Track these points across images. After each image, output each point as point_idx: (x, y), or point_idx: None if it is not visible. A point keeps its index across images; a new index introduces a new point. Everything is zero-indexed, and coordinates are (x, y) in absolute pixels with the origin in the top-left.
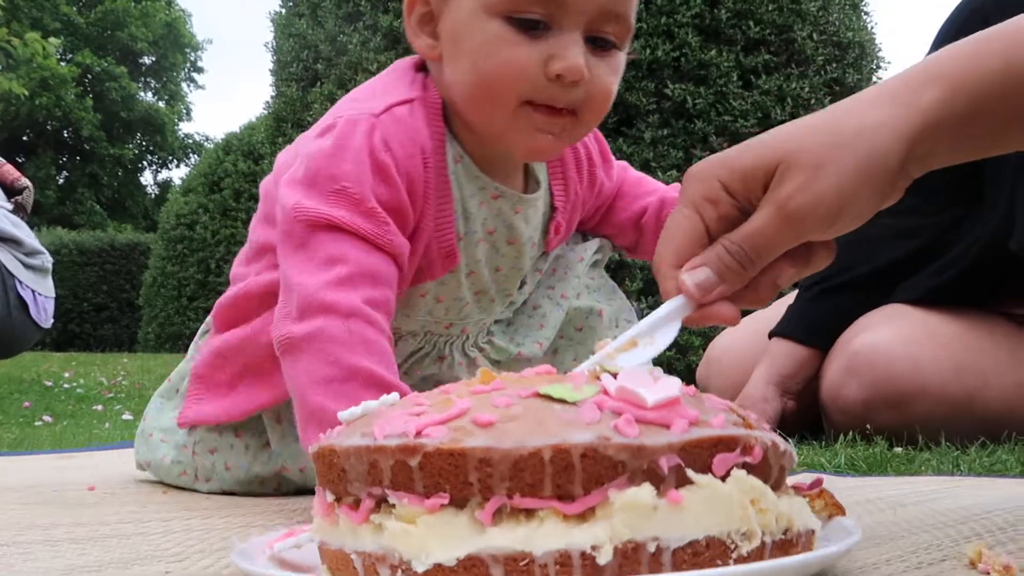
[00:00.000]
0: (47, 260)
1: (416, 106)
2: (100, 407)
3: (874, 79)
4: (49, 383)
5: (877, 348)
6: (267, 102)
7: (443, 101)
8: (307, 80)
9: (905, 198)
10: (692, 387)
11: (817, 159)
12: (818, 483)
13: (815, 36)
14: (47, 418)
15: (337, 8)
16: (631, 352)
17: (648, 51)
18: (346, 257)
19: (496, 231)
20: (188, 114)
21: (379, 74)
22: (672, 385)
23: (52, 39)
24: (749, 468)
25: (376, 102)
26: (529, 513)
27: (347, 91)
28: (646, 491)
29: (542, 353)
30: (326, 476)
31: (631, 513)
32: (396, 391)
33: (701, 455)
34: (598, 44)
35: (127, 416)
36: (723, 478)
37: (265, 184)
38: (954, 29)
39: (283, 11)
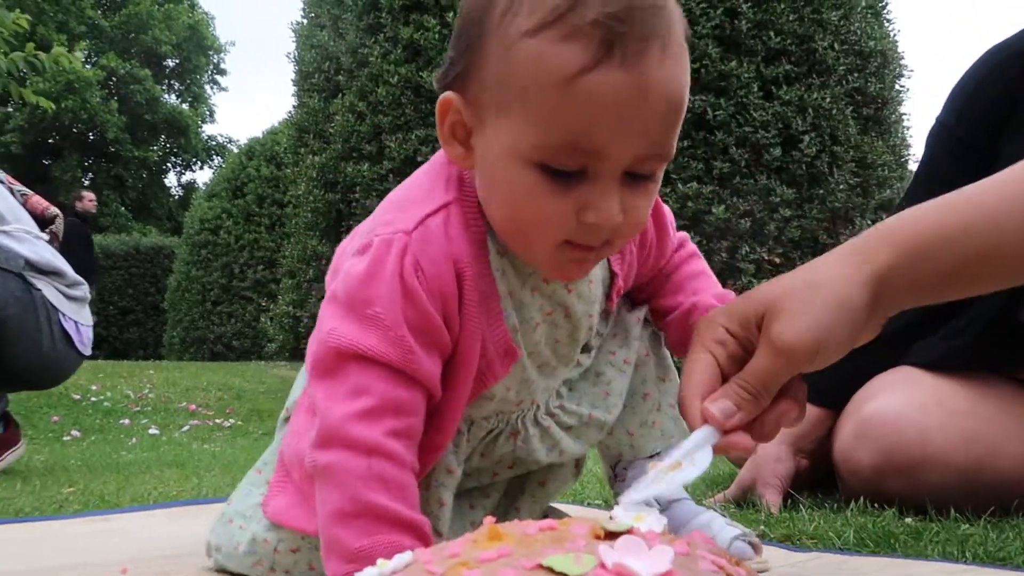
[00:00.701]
0: (86, 291)
1: (453, 210)
2: (127, 421)
3: (897, 87)
4: (77, 396)
5: (887, 415)
6: (289, 112)
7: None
8: (329, 91)
9: None
10: (683, 542)
11: (797, 305)
12: None
13: (836, 45)
14: (75, 433)
15: (358, 20)
16: (679, 472)
17: None
18: (371, 389)
19: (553, 312)
20: (211, 116)
21: (421, 168)
22: (665, 557)
23: (77, 53)
24: None
25: (411, 213)
26: None
27: (368, 103)
28: None
29: (613, 420)
30: None
31: None
32: (412, 524)
33: None
34: (635, 179)
35: (153, 431)
36: None
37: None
38: (972, 83)
39: (304, 21)
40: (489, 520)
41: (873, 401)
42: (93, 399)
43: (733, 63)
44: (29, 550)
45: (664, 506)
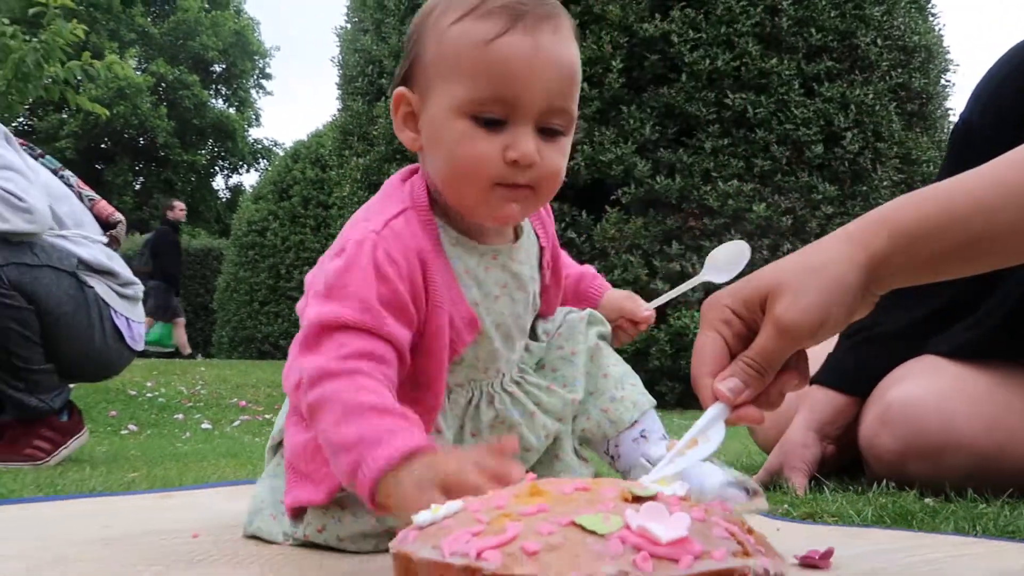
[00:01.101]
0: (139, 290)
1: (409, 214)
2: (180, 416)
3: (943, 82)
4: (133, 392)
5: (910, 401)
6: (334, 115)
7: (430, 197)
8: (372, 94)
9: None
10: (701, 509)
11: (798, 287)
12: (829, 554)
13: (879, 41)
14: (132, 427)
15: (400, 24)
16: (695, 449)
17: (708, 61)
18: (350, 344)
19: (507, 284)
20: (257, 120)
21: (378, 192)
22: (682, 522)
23: (129, 60)
24: None
25: (377, 220)
26: None
27: None
28: None
29: (575, 397)
30: (403, 575)
31: None
32: (400, 412)
33: None
34: (547, 133)
35: (206, 425)
36: None
37: (299, 306)
38: (996, 80)
39: (348, 26)
40: (530, 477)
41: (897, 388)
42: (148, 395)
43: (773, 60)
44: (105, 521)
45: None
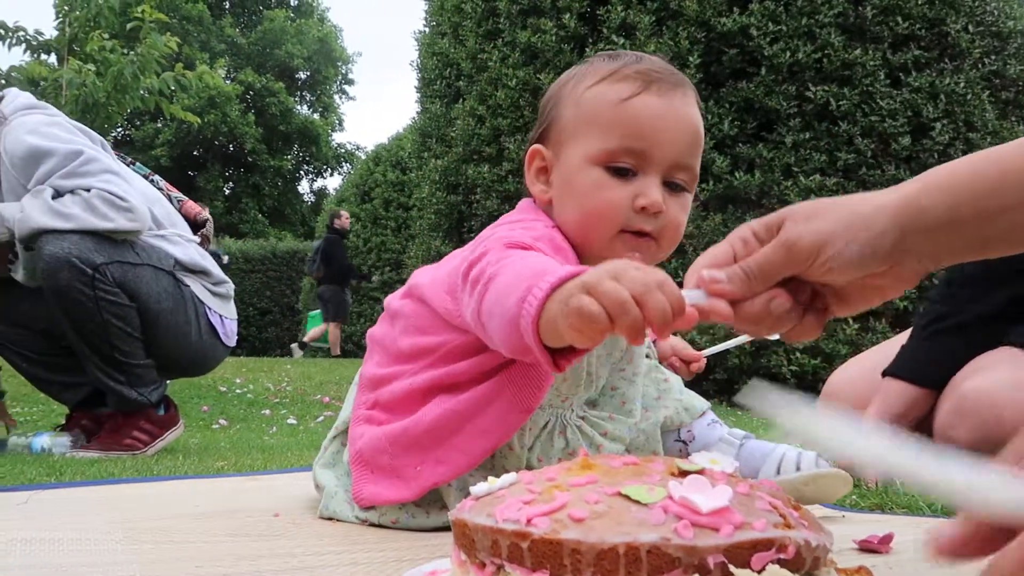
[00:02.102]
0: (230, 288)
1: (557, 231)
2: (268, 411)
3: None
4: (223, 388)
5: (985, 393)
6: (413, 118)
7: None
8: (450, 96)
9: None
10: (747, 484)
11: (812, 212)
12: (888, 539)
13: (971, 28)
14: (223, 421)
15: (477, 26)
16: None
17: (788, 54)
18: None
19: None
20: (340, 125)
21: (515, 210)
22: (723, 494)
23: (219, 70)
24: (783, 563)
25: (536, 223)
26: None
27: (487, 106)
28: None
29: (634, 420)
30: (460, 540)
31: None
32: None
33: (742, 554)
34: (671, 187)
35: (291, 421)
36: (760, 571)
37: (391, 300)
38: None
39: (426, 30)
40: (582, 452)
41: (971, 380)
42: (237, 391)
43: (858, 51)
44: (195, 500)
45: (741, 441)
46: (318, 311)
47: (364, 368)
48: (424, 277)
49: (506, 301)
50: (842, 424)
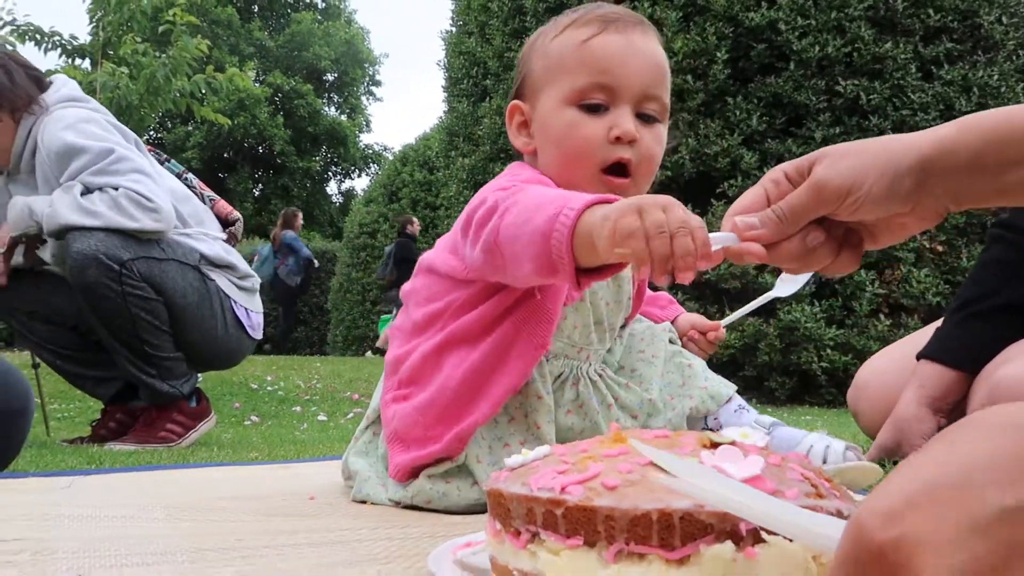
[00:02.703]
0: (256, 282)
1: (548, 182)
2: (298, 408)
3: None
4: (255, 386)
5: (1019, 379)
6: (440, 117)
7: None
8: (477, 96)
9: None
10: (778, 456)
11: (842, 152)
12: None
13: (1004, 19)
14: (254, 418)
15: (503, 25)
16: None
17: (817, 48)
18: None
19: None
20: (368, 126)
21: (504, 172)
22: (755, 463)
23: (249, 72)
24: None
25: (524, 172)
26: (641, 556)
27: None
28: (728, 547)
29: (651, 397)
30: (495, 510)
31: (716, 563)
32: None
33: None
34: (643, 119)
35: (322, 417)
36: (791, 539)
37: (404, 287)
38: None
39: (453, 30)
40: (615, 427)
41: (1006, 367)
42: (268, 388)
43: (888, 44)
44: (231, 485)
45: (768, 429)
46: (389, 315)
47: (387, 356)
48: (429, 253)
49: (535, 218)
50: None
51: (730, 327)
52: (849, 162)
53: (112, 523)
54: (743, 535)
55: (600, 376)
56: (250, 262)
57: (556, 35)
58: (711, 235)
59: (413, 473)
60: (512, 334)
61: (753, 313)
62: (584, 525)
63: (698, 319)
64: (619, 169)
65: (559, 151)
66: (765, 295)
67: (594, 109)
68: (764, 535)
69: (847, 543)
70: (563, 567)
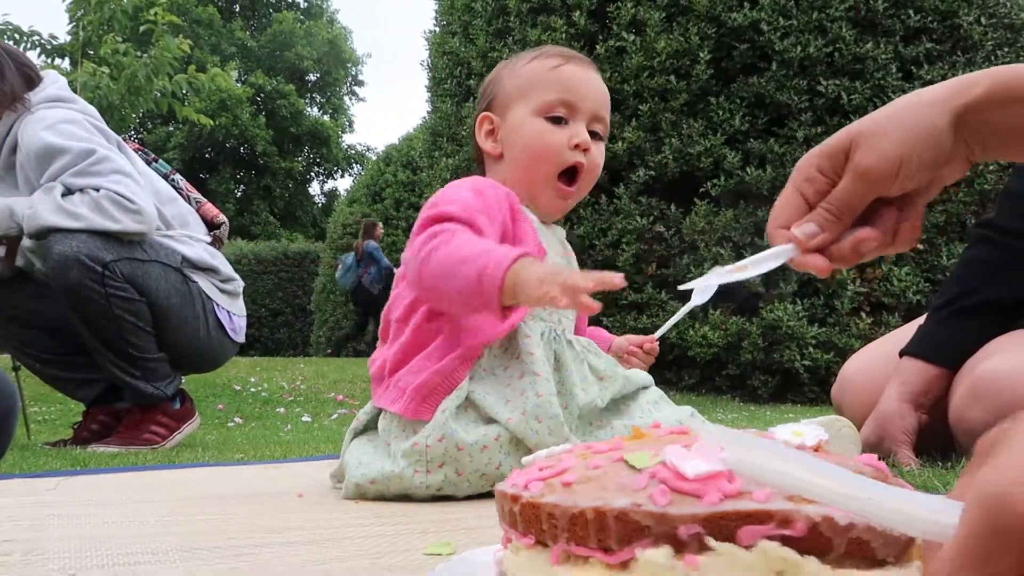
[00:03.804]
0: (239, 285)
1: (496, 182)
2: (282, 410)
3: None
4: (238, 387)
5: (1000, 374)
6: (423, 117)
7: None
8: (460, 96)
9: None
10: (827, 455)
11: (877, 130)
12: None
13: (983, 20)
14: (238, 419)
15: (487, 25)
16: (741, 272)
17: (799, 48)
18: (454, 227)
19: (553, 245)
20: (351, 126)
21: (472, 191)
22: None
23: (230, 73)
24: (791, 541)
25: (467, 178)
26: (584, 559)
27: None
28: (663, 553)
29: (614, 372)
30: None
31: (651, 570)
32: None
33: (726, 526)
34: (592, 135)
35: (306, 418)
36: (749, 548)
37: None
38: None
39: (436, 30)
40: (636, 429)
41: (987, 362)
42: (252, 390)
43: (869, 44)
44: (220, 484)
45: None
46: None
47: (372, 370)
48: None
49: (463, 270)
50: (787, 456)
51: (662, 338)
52: (889, 141)
53: (102, 523)
54: (684, 540)
55: (572, 341)
56: (335, 270)
57: (527, 63)
58: (771, 251)
59: (424, 399)
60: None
61: (736, 312)
62: (534, 523)
63: (632, 336)
64: (570, 175)
65: (526, 154)
66: (686, 306)
67: (557, 121)
68: (710, 541)
69: (988, 518)
70: (522, 566)
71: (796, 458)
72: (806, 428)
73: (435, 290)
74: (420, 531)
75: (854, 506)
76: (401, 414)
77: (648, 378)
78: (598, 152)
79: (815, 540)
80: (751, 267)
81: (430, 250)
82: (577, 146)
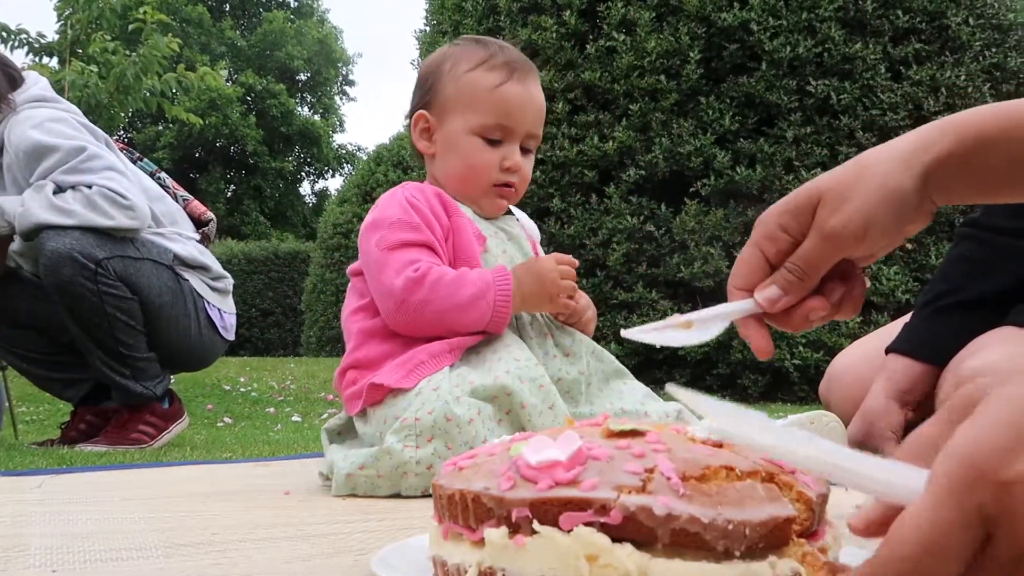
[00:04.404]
0: (229, 283)
1: (426, 185)
2: (272, 410)
3: None
4: (227, 387)
5: (986, 371)
6: None
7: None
8: None
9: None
10: (628, 442)
11: (844, 189)
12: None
13: (971, 20)
14: (227, 419)
15: (478, 24)
16: (683, 332)
17: (789, 48)
18: (413, 254)
19: (498, 232)
20: (341, 126)
21: (399, 196)
22: (564, 448)
23: (220, 72)
24: (609, 528)
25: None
26: (459, 536)
27: None
28: (499, 533)
29: (587, 338)
30: None
31: (492, 547)
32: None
33: (551, 511)
34: (524, 151)
35: (296, 418)
36: (568, 531)
37: (353, 268)
38: None
39: (427, 29)
40: (569, 419)
41: (972, 359)
42: (242, 390)
43: (858, 45)
44: (207, 482)
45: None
46: None
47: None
48: (356, 265)
49: (470, 305)
50: (762, 423)
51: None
52: (856, 204)
53: (85, 520)
54: (516, 522)
55: (535, 317)
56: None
57: (470, 69)
58: (727, 306)
59: (409, 373)
60: None
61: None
62: (436, 504)
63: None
64: (505, 186)
65: (462, 166)
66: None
67: (493, 142)
68: (535, 525)
69: (960, 486)
70: (432, 542)
71: (776, 430)
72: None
73: (433, 332)
74: (406, 527)
75: (827, 471)
76: (385, 384)
77: (609, 357)
78: (528, 167)
79: (634, 529)
80: (697, 325)
81: (420, 302)
82: (508, 169)
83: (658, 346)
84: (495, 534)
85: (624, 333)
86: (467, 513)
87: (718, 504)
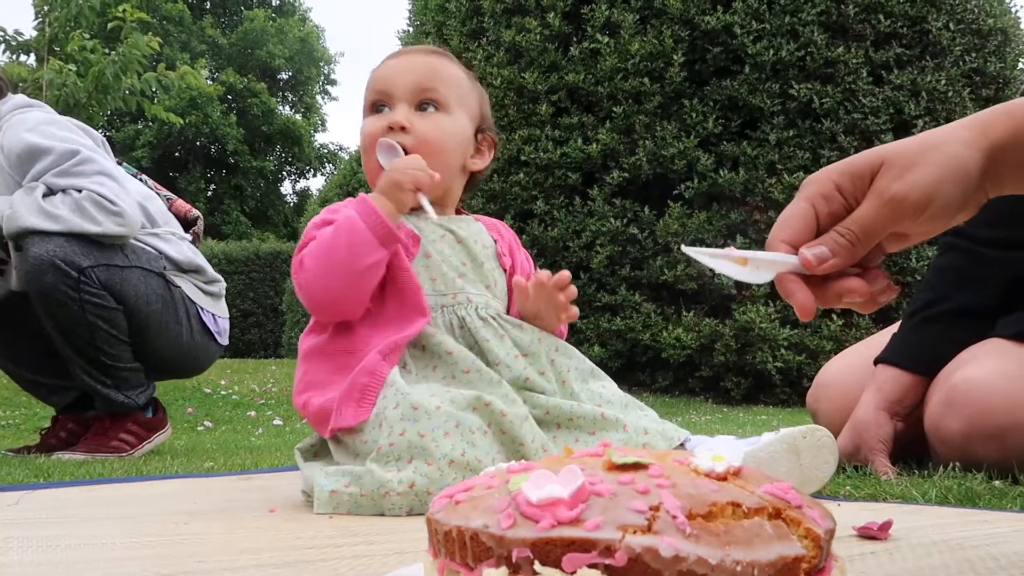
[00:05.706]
0: (222, 287)
1: (347, 201)
2: (253, 413)
3: (1021, 65)
4: (208, 390)
5: (975, 383)
6: None
7: None
8: None
9: (1011, 231)
10: (631, 476)
11: (911, 158)
12: (887, 526)
13: (952, 25)
14: (208, 423)
15: (461, 25)
16: (738, 268)
17: (771, 52)
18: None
19: (445, 236)
20: (323, 125)
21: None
22: (570, 483)
23: (203, 71)
24: (612, 569)
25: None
26: (456, 574)
27: None
28: (498, 573)
29: (537, 345)
30: None
31: None
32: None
33: (553, 551)
34: (422, 107)
35: (277, 422)
36: (573, 574)
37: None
38: None
39: (410, 29)
40: (567, 448)
41: (962, 370)
42: (223, 393)
43: (840, 49)
44: (189, 499)
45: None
46: None
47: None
48: None
49: (344, 246)
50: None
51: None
52: (921, 173)
53: (66, 546)
54: (517, 562)
55: (493, 317)
56: None
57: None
58: (777, 255)
59: (358, 403)
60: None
61: (709, 314)
62: (432, 539)
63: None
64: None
65: (360, 146)
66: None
67: (378, 110)
68: (537, 566)
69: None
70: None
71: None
72: (728, 451)
73: (353, 292)
74: (397, 551)
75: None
76: (344, 426)
77: (578, 354)
78: (427, 124)
79: (640, 570)
80: (751, 264)
81: (312, 278)
82: (391, 127)
83: (710, 270)
84: (495, 574)
85: (684, 248)
86: (464, 551)
87: (726, 544)
